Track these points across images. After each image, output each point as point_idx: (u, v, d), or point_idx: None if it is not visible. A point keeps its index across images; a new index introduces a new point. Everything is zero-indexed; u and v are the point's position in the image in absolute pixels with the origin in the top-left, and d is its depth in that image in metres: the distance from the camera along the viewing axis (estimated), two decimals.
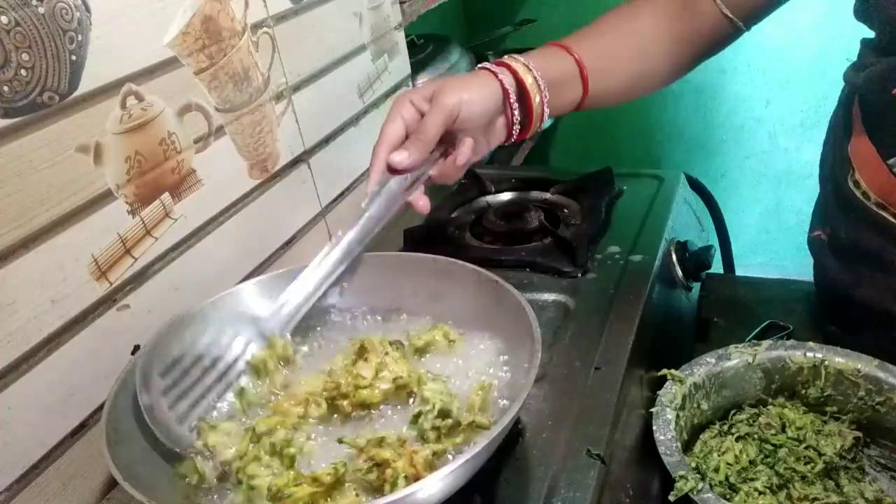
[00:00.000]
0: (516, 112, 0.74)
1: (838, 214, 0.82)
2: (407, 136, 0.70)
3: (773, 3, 0.78)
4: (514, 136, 0.77)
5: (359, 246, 0.68)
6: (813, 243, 0.89)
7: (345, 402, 0.58)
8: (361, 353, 0.62)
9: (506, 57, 0.75)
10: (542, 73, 0.74)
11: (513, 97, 0.73)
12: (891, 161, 0.73)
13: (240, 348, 0.63)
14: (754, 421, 0.76)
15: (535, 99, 0.74)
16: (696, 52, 0.81)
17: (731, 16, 0.77)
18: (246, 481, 0.53)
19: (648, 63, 0.81)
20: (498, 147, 0.79)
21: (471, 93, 0.70)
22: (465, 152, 0.70)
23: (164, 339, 0.61)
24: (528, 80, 0.73)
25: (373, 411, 0.59)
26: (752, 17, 0.78)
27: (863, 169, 0.77)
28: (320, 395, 0.60)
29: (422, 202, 0.71)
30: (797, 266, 0.90)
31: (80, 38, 0.60)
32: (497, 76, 0.72)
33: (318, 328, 0.70)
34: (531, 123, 0.76)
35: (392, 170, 0.68)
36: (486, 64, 0.75)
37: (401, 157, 0.68)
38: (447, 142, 0.71)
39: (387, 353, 0.61)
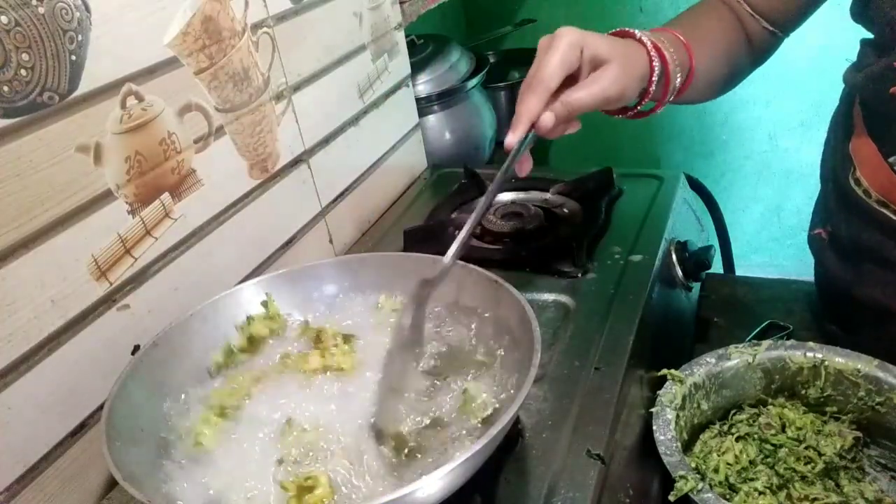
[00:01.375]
0: (648, 97, 0.74)
1: (839, 212, 0.82)
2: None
3: (804, 13, 0.82)
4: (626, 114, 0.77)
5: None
6: (813, 241, 0.89)
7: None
8: (316, 340, 0.66)
9: (655, 35, 0.73)
10: (679, 63, 0.74)
11: (654, 87, 0.72)
12: (892, 159, 0.73)
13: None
14: (754, 421, 0.76)
15: (670, 87, 0.74)
16: (750, 59, 0.86)
17: (769, 27, 0.82)
18: (194, 437, 0.58)
19: (724, 66, 0.83)
20: (497, 147, 0.79)
21: (631, 83, 0.68)
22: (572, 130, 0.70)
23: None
24: (672, 71, 0.73)
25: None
26: (788, 25, 0.83)
27: (864, 167, 0.77)
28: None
29: (527, 165, 0.68)
30: (797, 266, 0.90)
31: (80, 38, 0.60)
32: (652, 64, 0.71)
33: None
34: (654, 109, 0.76)
35: (533, 125, 0.64)
36: (646, 42, 0.72)
37: (549, 122, 0.64)
38: None
39: (336, 346, 0.65)
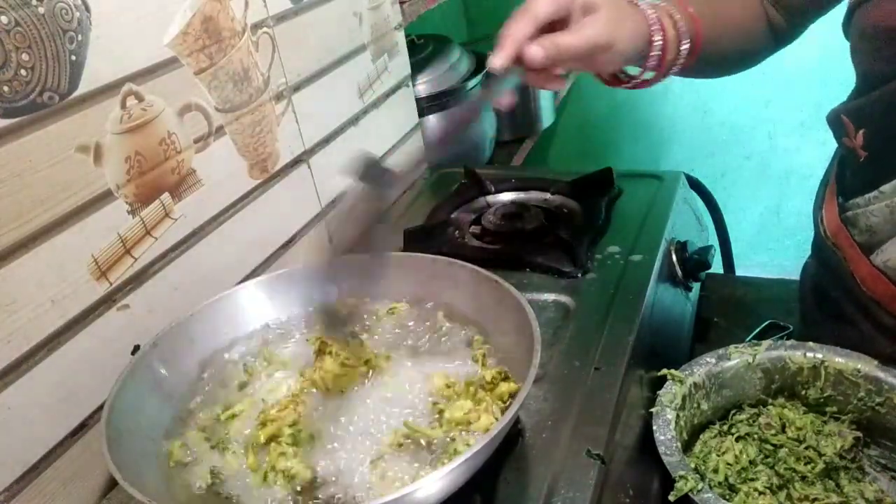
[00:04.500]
0: (649, 64, 0.71)
1: (816, 254, 0.82)
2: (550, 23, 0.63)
3: (817, 9, 0.79)
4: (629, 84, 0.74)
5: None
6: (805, 269, 0.88)
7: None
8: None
9: (663, 4, 0.71)
10: (684, 34, 0.71)
11: (655, 52, 0.69)
12: (849, 203, 0.73)
13: None
14: (754, 421, 0.76)
15: (669, 56, 0.71)
16: (771, 41, 0.82)
17: (783, 15, 0.78)
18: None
19: (740, 44, 0.80)
20: (497, 147, 0.79)
21: (622, 36, 0.65)
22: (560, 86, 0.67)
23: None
24: (671, 37, 0.70)
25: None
26: (799, 19, 0.80)
27: (827, 206, 0.77)
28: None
29: (508, 99, 0.65)
30: (797, 266, 0.90)
31: (80, 38, 0.60)
32: (651, 32, 0.68)
33: (315, 326, 0.70)
34: (655, 78, 0.73)
35: (519, 59, 0.61)
36: (645, 9, 0.69)
37: (537, 55, 0.61)
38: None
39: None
